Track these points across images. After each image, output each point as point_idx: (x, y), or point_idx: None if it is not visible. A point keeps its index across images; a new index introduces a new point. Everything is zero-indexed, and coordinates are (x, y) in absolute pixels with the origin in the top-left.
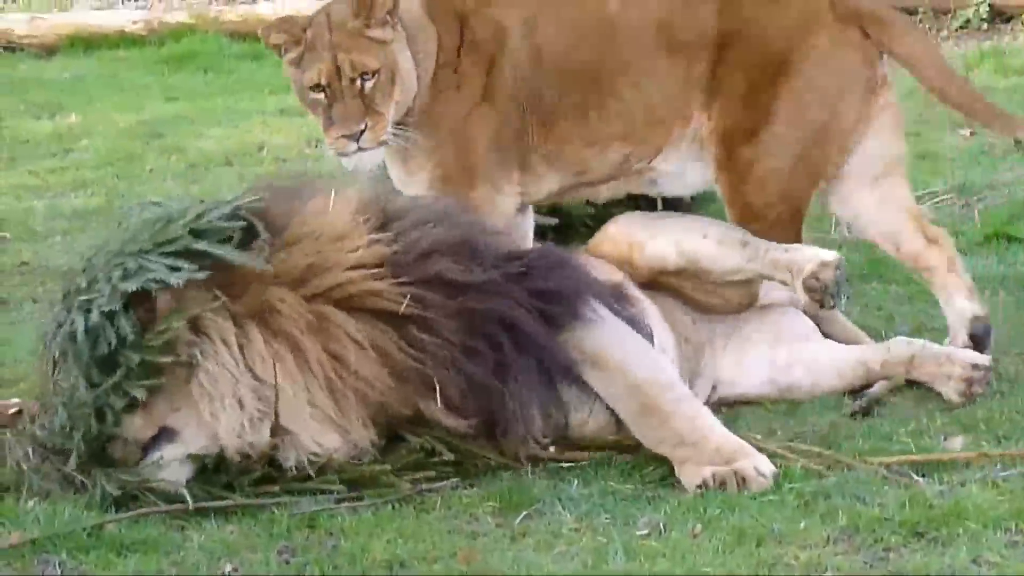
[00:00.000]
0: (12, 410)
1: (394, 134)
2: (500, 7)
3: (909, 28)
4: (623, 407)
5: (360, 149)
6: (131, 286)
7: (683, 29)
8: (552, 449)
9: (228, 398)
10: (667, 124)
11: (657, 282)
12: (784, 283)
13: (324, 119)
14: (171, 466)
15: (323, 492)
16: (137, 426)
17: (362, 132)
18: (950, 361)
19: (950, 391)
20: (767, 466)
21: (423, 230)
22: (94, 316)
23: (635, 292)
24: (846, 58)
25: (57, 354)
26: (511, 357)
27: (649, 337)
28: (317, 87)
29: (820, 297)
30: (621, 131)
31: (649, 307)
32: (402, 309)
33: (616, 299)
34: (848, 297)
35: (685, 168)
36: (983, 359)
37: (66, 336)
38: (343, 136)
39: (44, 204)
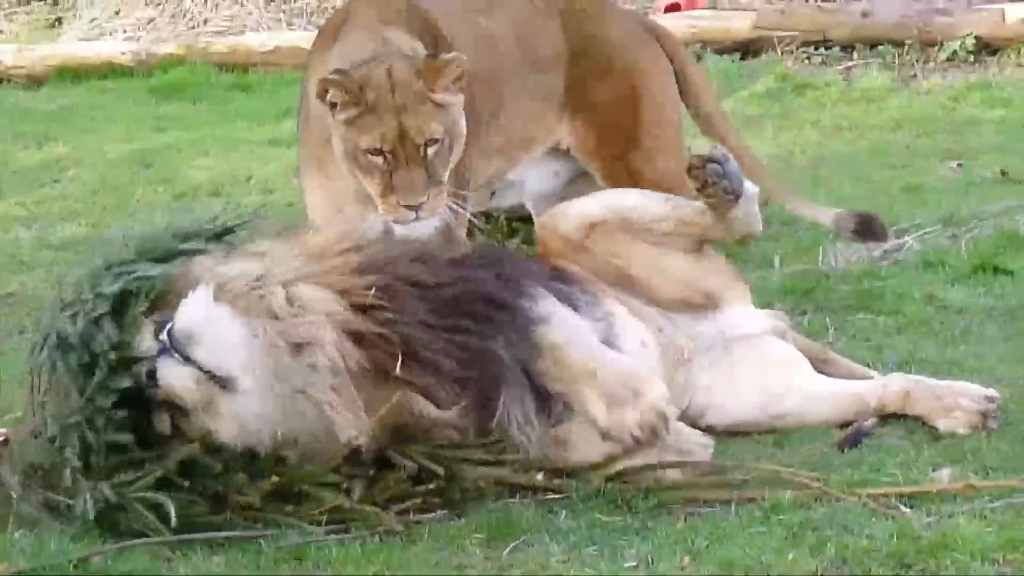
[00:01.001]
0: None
1: (449, 206)
2: (439, 22)
3: (688, 54)
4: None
5: (418, 218)
6: (115, 287)
7: (541, 45)
8: (540, 476)
9: None
10: (535, 137)
11: (607, 261)
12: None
13: (382, 185)
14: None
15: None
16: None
17: (423, 202)
18: (952, 393)
19: (952, 424)
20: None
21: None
22: (80, 323)
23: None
24: (667, 64)
25: (45, 366)
26: (495, 322)
27: (604, 319)
28: (377, 151)
29: (711, 191)
30: (503, 143)
31: (616, 304)
32: (369, 298)
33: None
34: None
35: (544, 180)
36: (993, 392)
37: (54, 346)
38: (405, 206)
39: (32, 234)
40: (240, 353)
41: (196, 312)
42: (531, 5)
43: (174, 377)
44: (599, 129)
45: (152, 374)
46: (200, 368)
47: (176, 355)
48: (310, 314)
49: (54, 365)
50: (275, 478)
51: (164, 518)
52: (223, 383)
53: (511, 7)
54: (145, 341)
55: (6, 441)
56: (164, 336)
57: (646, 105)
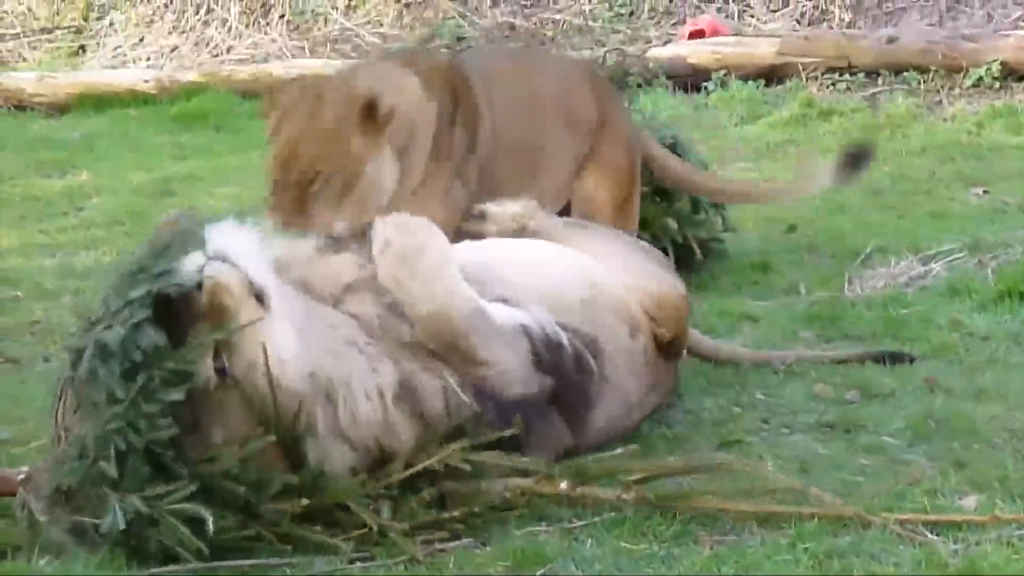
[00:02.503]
0: (20, 476)
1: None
2: (476, 87)
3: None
4: None
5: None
6: (144, 289)
7: (578, 109)
8: (564, 485)
9: None
10: (562, 193)
11: None
12: None
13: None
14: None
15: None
16: None
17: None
18: None
19: None
20: None
21: None
22: (119, 330)
23: None
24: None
25: (81, 380)
26: None
27: None
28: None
29: None
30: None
31: None
32: None
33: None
34: None
35: None
36: None
37: (92, 356)
38: (276, 221)
39: (55, 263)
40: (270, 276)
41: (231, 232)
42: (574, 73)
43: (224, 274)
44: (610, 184)
45: (199, 285)
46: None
47: (224, 260)
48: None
49: (93, 374)
50: (304, 500)
51: (199, 532)
52: (259, 296)
53: (560, 69)
54: (193, 258)
55: (29, 478)
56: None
57: (637, 183)
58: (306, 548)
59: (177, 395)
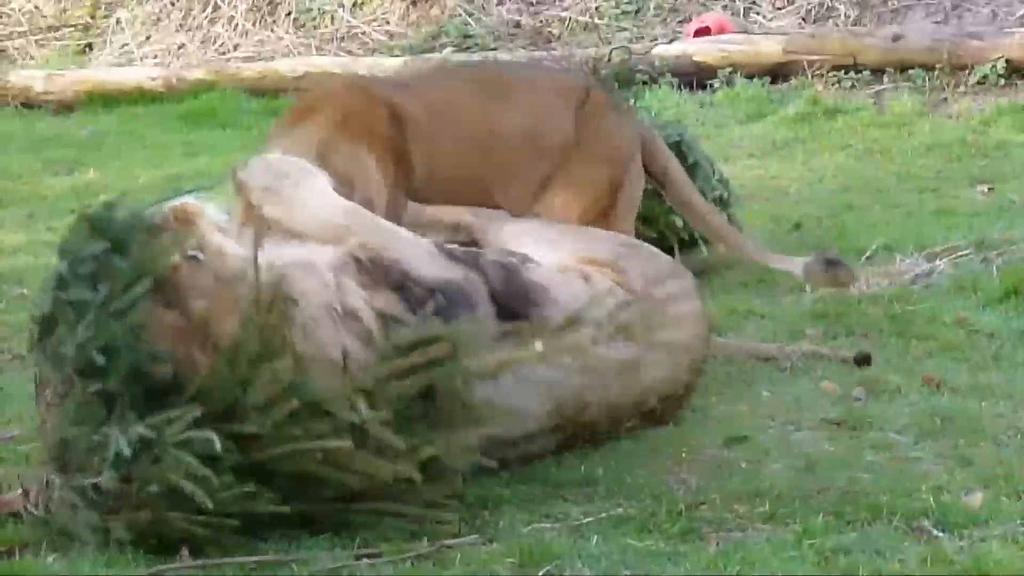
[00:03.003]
0: (18, 494)
1: None
2: (410, 130)
3: (671, 155)
4: None
5: None
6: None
7: (551, 134)
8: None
9: None
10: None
11: None
12: None
13: None
14: None
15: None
16: None
17: None
18: None
19: None
20: None
21: None
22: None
23: None
24: (641, 185)
25: (49, 306)
26: None
27: None
28: None
29: None
30: None
31: None
32: None
33: None
34: None
35: None
36: None
37: (51, 289)
38: None
39: None
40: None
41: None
42: (554, 94)
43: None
44: (582, 200)
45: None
46: None
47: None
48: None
49: (58, 303)
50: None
51: (207, 463)
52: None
53: (534, 94)
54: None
55: (27, 494)
56: None
57: (623, 196)
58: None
59: (143, 287)
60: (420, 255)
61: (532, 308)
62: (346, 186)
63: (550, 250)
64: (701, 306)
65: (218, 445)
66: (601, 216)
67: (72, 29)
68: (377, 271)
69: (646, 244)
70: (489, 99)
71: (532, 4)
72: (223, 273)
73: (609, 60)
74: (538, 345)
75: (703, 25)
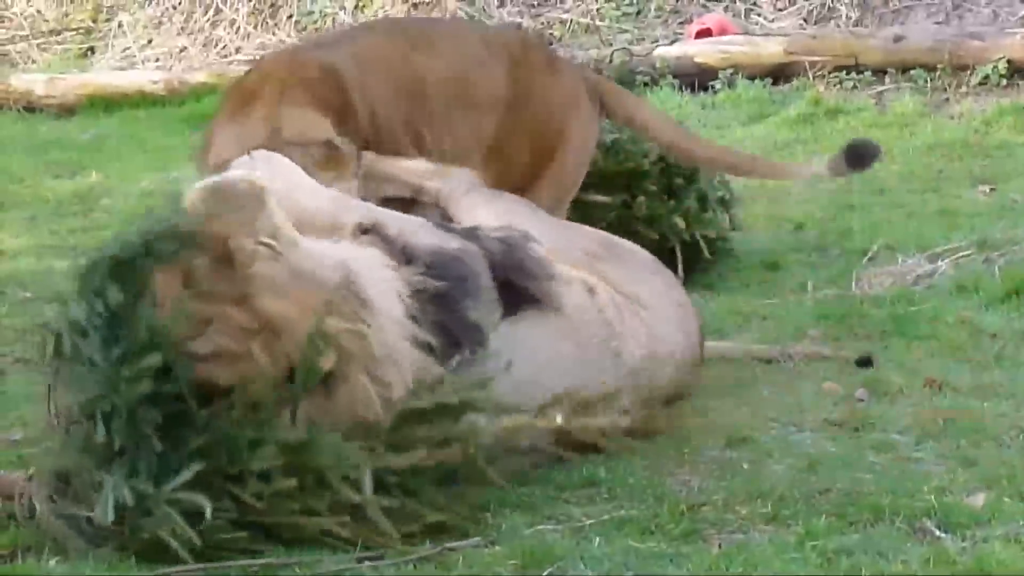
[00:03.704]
0: (23, 479)
1: None
2: (349, 80)
3: (639, 99)
4: None
5: None
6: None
7: (480, 87)
8: (560, 419)
9: None
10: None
11: None
12: None
13: None
14: None
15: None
16: None
17: None
18: None
19: None
20: None
21: None
22: (82, 303)
23: None
24: (594, 130)
25: (69, 352)
26: None
27: None
28: None
29: None
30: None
31: None
32: None
33: None
34: None
35: None
36: None
37: (68, 333)
38: None
39: (65, 264)
40: None
41: None
42: (483, 47)
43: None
44: (506, 177)
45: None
46: None
47: None
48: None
49: (76, 349)
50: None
51: (194, 526)
52: None
53: (460, 45)
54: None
55: (31, 478)
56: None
57: (556, 166)
58: (301, 539)
59: (153, 360)
60: (413, 229)
61: (532, 281)
62: (306, 149)
63: None
64: (688, 305)
65: (208, 513)
66: (535, 178)
67: (74, 33)
68: (395, 251)
69: (626, 242)
70: (413, 48)
71: (533, 6)
72: (299, 268)
73: (610, 62)
74: (559, 418)
75: (704, 26)
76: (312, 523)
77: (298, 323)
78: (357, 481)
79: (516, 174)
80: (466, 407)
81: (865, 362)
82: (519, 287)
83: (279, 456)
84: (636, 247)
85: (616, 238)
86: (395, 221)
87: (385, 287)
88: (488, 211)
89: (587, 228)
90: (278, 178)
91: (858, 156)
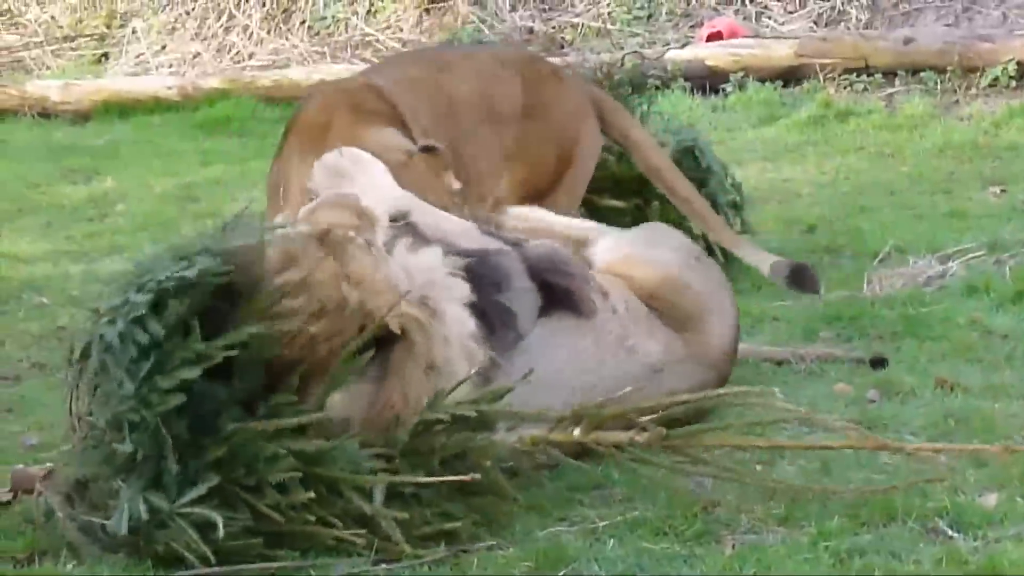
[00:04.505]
0: (43, 472)
1: None
2: (399, 103)
3: (634, 119)
4: None
5: None
6: (147, 294)
7: (500, 101)
8: (578, 432)
9: None
10: (487, 194)
11: None
12: None
13: None
14: None
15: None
16: None
17: None
18: None
19: None
20: None
21: None
22: (120, 324)
23: None
24: (599, 137)
25: (91, 370)
26: None
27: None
28: None
29: None
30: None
31: None
32: None
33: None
34: None
35: None
36: None
37: (98, 348)
38: None
39: (80, 269)
40: None
41: None
42: (497, 65)
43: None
44: (532, 183)
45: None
46: None
47: None
48: None
49: (104, 365)
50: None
51: (208, 539)
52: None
53: (476, 61)
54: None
55: (51, 473)
56: None
57: (574, 170)
58: (315, 547)
59: (193, 373)
60: (463, 232)
61: (568, 279)
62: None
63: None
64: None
65: (220, 530)
66: (557, 183)
67: (88, 39)
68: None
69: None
70: (440, 72)
71: (545, 10)
72: (386, 271)
73: (622, 65)
74: (578, 432)
75: (715, 30)
76: (326, 533)
77: (378, 298)
78: (371, 492)
79: (541, 180)
80: (484, 420)
81: (878, 362)
82: (556, 287)
83: (297, 467)
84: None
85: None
86: (446, 223)
87: (457, 299)
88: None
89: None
90: (361, 175)
91: (799, 279)
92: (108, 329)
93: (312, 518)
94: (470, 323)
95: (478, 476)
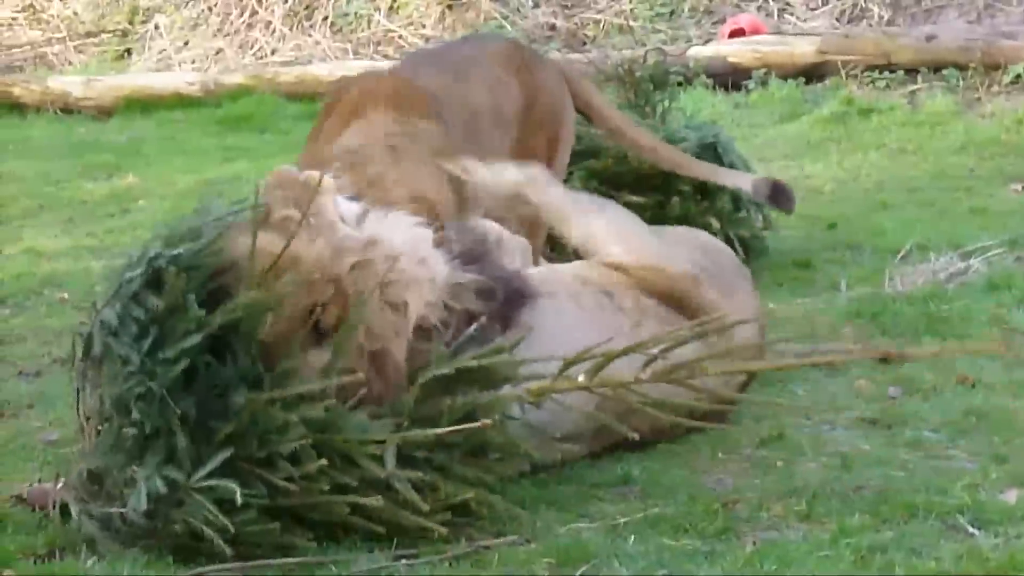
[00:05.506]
0: (59, 487)
1: None
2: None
3: (594, 87)
4: None
5: None
6: (139, 271)
7: (506, 104)
8: (582, 377)
9: None
10: None
11: None
12: None
13: None
14: None
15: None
16: None
17: None
18: None
19: None
20: None
21: None
22: (117, 307)
23: None
24: (574, 114)
25: (100, 353)
26: None
27: None
28: None
29: None
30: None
31: None
32: None
33: None
34: None
35: None
36: None
37: (100, 333)
38: None
39: (102, 265)
40: None
41: None
42: (497, 68)
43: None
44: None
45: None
46: None
47: None
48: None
49: (107, 349)
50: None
51: (225, 512)
52: None
53: (482, 69)
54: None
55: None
56: None
57: (561, 146)
58: (333, 520)
59: (194, 341)
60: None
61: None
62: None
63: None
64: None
65: (239, 499)
66: (550, 163)
67: (110, 35)
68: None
69: (712, 241)
70: (455, 80)
71: (567, 7)
72: (333, 242)
73: (644, 62)
74: (582, 377)
75: (737, 26)
76: (343, 500)
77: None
78: (383, 457)
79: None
80: (489, 373)
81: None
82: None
83: (306, 436)
84: (721, 245)
85: (704, 236)
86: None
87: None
88: (600, 221)
89: (680, 231)
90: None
91: (779, 196)
92: (107, 311)
93: (327, 487)
94: (449, 270)
95: (489, 422)
